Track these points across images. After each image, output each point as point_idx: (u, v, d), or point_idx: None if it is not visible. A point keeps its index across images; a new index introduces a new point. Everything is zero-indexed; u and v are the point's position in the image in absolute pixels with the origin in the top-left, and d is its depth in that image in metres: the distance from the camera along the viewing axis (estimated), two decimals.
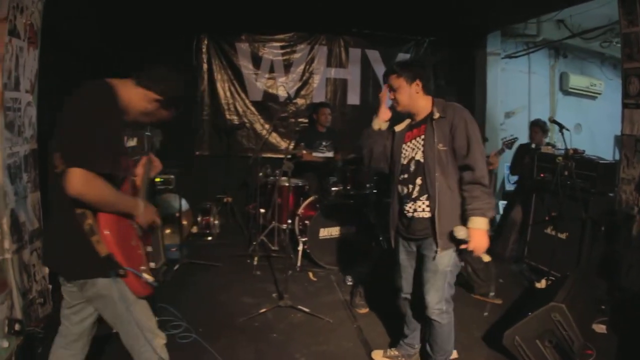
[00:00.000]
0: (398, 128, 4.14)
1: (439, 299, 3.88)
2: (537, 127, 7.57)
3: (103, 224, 2.73)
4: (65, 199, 2.62)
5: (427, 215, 3.88)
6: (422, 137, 3.89)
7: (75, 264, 2.85)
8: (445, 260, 3.81)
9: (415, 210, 3.95)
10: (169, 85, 2.97)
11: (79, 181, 2.53)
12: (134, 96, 2.90)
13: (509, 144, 7.24)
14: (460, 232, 3.64)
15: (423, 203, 3.90)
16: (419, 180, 3.90)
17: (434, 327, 3.97)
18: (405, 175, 4.00)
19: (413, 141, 3.98)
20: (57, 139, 2.72)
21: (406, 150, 4.02)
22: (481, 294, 5.91)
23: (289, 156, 7.43)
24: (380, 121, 4.15)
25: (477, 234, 3.62)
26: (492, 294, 5.86)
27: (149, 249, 3.17)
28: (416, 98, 3.90)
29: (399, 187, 4.06)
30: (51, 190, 2.85)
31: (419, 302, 4.08)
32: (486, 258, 3.69)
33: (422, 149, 3.88)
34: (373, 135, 4.19)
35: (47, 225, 2.95)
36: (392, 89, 3.94)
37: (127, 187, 3.04)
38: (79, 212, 2.69)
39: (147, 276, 2.89)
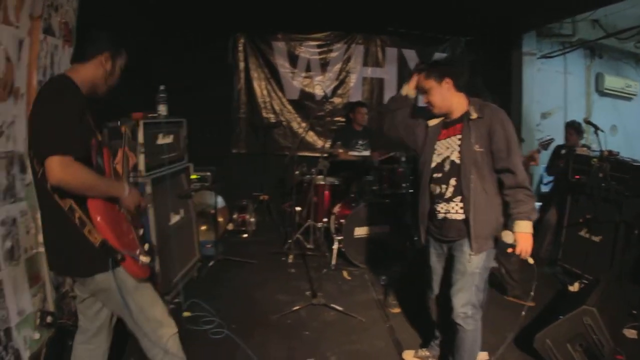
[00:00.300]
0: (432, 123, 4.06)
1: (465, 301, 3.81)
2: (572, 129, 7.53)
3: (93, 211, 2.81)
4: (51, 201, 2.77)
5: (460, 217, 3.81)
6: (458, 136, 3.81)
7: (72, 263, 2.95)
8: (475, 262, 3.75)
9: (448, 212, 3.88)
10: (98, 38, 3.05)
11: (58, 168, 2.59)
12: (90, 71, 2.99)
13: (545, 145, 7.19)
14: (508, 237, 3.64)
15: (457, 204, 3.82)
16: (453, 181, 3.82)
17: (457, 332, 3.91)
18: (439, 175, 3.90)
19: (448, 140, 3.90)
20: (30, 144, 2.90)
21: (440, 148, 3.94)
22: (514, 296, 5.88)
23: (326, 155, 7.47)
24: (410, 88, 4.13)
25: (524, 237, 3.62)
26: (532, 293, 5.86)
27: (141, 231, 3.25)
28: (449, 96, 3.83)
29: (432, 186, 3.97)
30: (39, 199, 2.97)
31: (447, 304, 4.02)
32: (531, 261, 3.67)
33: (458, 149, 3.79)
34: (399, 100, 4.21)
35: (43, 232, 3.01)
36: (423, 91, 3.91)
37: (109, 174, 3.13)
38: (66, 208, 2.77)
39: (143, 258, 2.96)
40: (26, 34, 3.90)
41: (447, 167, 3.87)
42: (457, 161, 3.79)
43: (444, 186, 3.88)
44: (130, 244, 3.00)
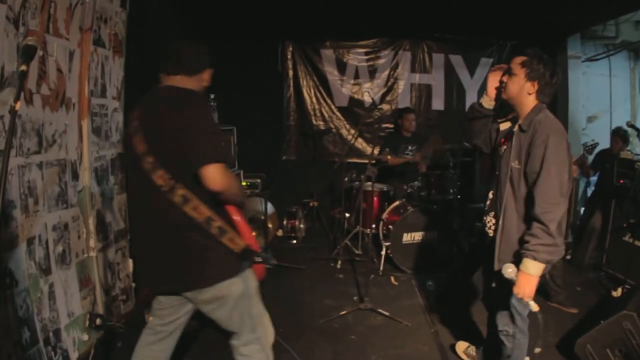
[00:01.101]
0: (503, 126, 3.82)
1: (506, 321, 3.69)
2: (618, 137, 7.42)
3: (235, 215, 3.06)
4: (180, 217, 2.83)
5: (491, 233, 3.68)
6: (505, 147, 3.61)
7: (194, 275, 2.96)
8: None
9: (485, 224, 3.77)
10: (203, 54, 3.12)
11: (219, 174, 2.74)
12: (194, 84, 3.06)
13: (590, 150, 7.12)
14: (507, 270, 3.25)
15: (491, 220, 3.70)
16: (490, 194, 3.74)
17: (500, 347, 3.83)
18: (491, 182, 3.82)
19: (502, 147, 3.67)
20: (161, 155, 2.83)
21: (499, 153, 3.70)
22: (558, 302, 5.84)
23: (374, 161, 7.49)
24: (488, 99, 3.75)
25: (524, 278, 3.22)
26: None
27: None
28: (525, 97, 3.46)
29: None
30: (157, 216, 2.93)
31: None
32: (534, 307, 3.31)
33: (501, 160, 3.60)
34: (475, 110, 3.88)
35: (149, 248, 3.05)
36: (509, 72, 3.51)
37: None
38: (202, 219, 2.84)
39: (273, 260, 3.17)
40: (76, 45, 4.05)
41: (492, 177, 3.78)
42: (497, 173, 3.64)
43: (487, 196, 3.81)
44: (255, 245, 3.14)
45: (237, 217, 3.07)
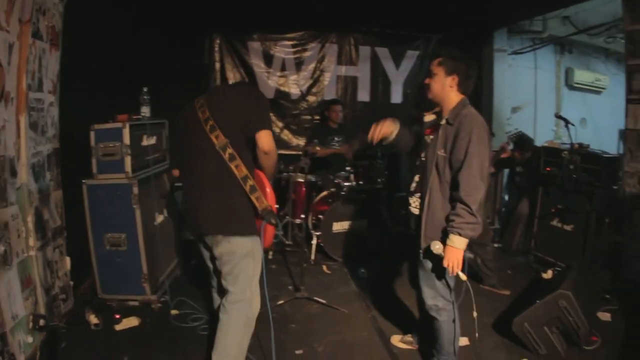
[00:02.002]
0: (427, 118, 4.13)
1: (432, 295, 3.92)
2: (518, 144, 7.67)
3: (267, 183, 3.86)
4: (226, 170, 3.62)
5: (416, 212, 3.96)
6: (431, 137, 3.90)
7: (226, 222, 3.68)
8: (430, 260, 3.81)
9: (411, 205, 4.05)
10: None
11: (269, 138, 3.68)
12: None
13: (513, 138, 7.36)
14: (435, 247, 3.62)
15: (416, 200, 3.99)
16: (416, 177, 4.03)
17: (433, 324, 4.04)
18: (415, 166, 4.11)
19: (428, 137, 3.96)
20: (220, 120, 3.69)
21: (425, 142, 4.00)
22: (490, 285, 6.06)
23: (304, 153, 7.58)
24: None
25: (450, 252, 3.57)
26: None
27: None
28: (448, 92, 3.80)
29: (411, 176, 4.16)
30: (212, 167, 3.67)
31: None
32: (463, 277, 3.62)
33: (428, 147, 3.89)
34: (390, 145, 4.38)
35: (204, 196, 3.73)
36: (430, 74, 3.87)
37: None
38: (241, 176, 3.60)
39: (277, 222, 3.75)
40: (16, 38, 3.94)
41: (418, 162, 4.06)
42: (423, 159, 3.93)
43: (412, 179, 4.11)
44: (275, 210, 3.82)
45: (268, 189, 3.82)
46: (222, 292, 3.96)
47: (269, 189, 3.83)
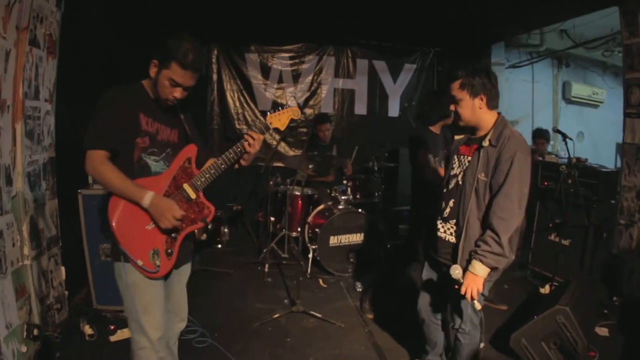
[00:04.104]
0: (458, 136, 3.92)
1: (462, 319, 3.80)
2: (543, 139, 7.69)
3: (111, 212, 3.00)
4: None
5: (452, 239, 3.73)
6: (469, 158, 3.68)
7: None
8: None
9: (444, 231, 3.80)
10: (158, 44, 3.09)
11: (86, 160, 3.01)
12: (157, 79, 3.09)
13: None
14: (455, 271, 3.45)
15: (452, 227, 3.74)
16: (451, 203, 3.76)
17: (455, 344, 3.96)
18: (445, 190, 3.86)
19: (463, 157, 3.76)
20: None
21: (455, 163, 3.83)
22: (487, 299, 5.96)
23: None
24: None
25: (470, 278, 3.40)
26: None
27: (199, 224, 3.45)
28: (480, 114, 3.59)
29: (440, 199, 3.91)
30: None
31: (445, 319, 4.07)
32: (478, 306, 3.49)
33: (467, 171, 3.67)
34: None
35: None
36: (453, 100, 3.65)
37: (166, 179, 3.26)
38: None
39: (141, 262, 3.03)
40: (13, 45, 3.92)
41: (452, 185, 3.81)
42: (461, 183, 3.71)
43: (444, 204, 3.84)
44: (148, 243, 3.10)
45: (113, 223, 3.00)
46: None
47: (113, 223, 3.00)
